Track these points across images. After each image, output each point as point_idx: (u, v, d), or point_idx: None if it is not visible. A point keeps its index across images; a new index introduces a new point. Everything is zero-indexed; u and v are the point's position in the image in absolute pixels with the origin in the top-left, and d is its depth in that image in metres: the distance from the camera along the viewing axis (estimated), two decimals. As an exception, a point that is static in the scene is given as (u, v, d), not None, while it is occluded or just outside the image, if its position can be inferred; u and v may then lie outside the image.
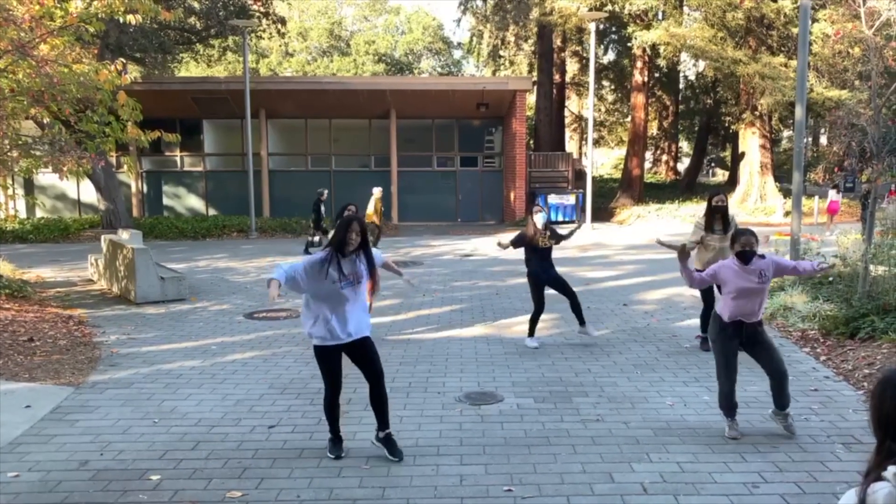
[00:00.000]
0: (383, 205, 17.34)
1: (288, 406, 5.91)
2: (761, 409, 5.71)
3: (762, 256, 5.02)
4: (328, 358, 4.75)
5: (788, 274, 5.29)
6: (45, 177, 22.11)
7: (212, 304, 10.51)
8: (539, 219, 7.62)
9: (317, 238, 16.88)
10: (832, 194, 20.35)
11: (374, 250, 4.92)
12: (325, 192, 17.73)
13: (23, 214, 23.83)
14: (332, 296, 4.61)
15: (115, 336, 8.48)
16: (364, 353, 4.77)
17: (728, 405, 5.16)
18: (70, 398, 6.14)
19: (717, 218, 7.34)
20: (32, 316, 9.34)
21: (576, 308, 7.82)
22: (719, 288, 5.27)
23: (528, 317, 7.95)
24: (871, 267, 8.37)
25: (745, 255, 4.92)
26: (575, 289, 7.92)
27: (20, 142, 10.91)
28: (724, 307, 5.09)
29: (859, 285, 8.24)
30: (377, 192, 16.46)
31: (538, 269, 7.71)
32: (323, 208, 17.15)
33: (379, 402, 4.81)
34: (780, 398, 5.10)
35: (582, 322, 7.86)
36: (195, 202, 25.41)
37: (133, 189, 24.59)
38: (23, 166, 10.84)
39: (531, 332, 7.82)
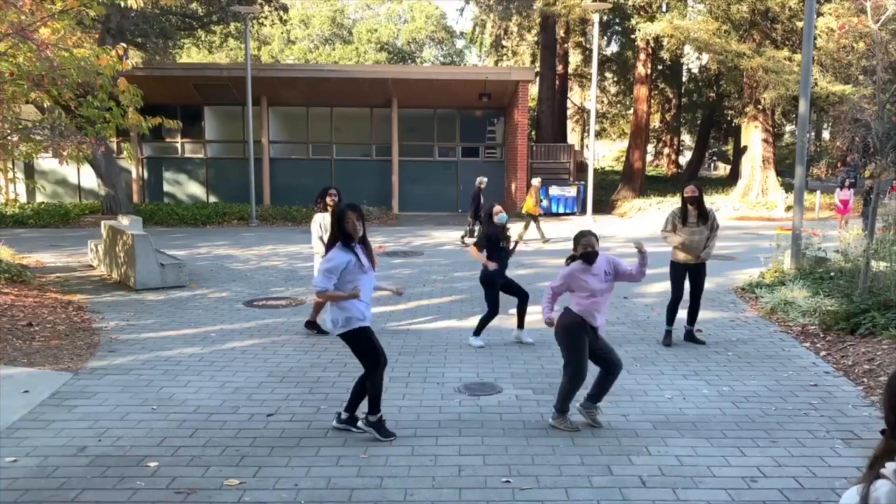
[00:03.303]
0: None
1: (287, 394, 5.91)
2: (760, 403, 5.71)
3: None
4: (372, 335, 4.98)
5: (625, 279, 5.26)
6: (46, 161, 22.05)
7: (211, 291, 10.50)
8: (502, 217, 7.56)
9: (477, 227, 15.89)
10: (841, 193, 17.61)
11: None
12: (485, 180, 16.31)
13: (23, 199, 23.80)
14: (357, 280, 4.90)
15: (114, 322, 8.47)
16: None
17: (566, 402, 5.18)
18: (68, 384, 6.14)
19: (689, 211, 7.37)
20: (32, 301, 9.33)
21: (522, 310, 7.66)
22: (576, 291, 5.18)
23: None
24: (873, 262, 8.35)
25: (589, 257, 5.06)
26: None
27: (20, 126, 10.86)
28: (577, 306, 5.11)
29: (860, 281, 8.22)
30: (536, 182, 16.32)
31: (497, 272, 7.49)
32: (482, 198, 15.69)
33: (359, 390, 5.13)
34: (602, 391, 5.18)
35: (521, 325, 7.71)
36: (196, 189, 25.36)
37: (134, 175, 24.53)
38: (23, 150, 10.80)
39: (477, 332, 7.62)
